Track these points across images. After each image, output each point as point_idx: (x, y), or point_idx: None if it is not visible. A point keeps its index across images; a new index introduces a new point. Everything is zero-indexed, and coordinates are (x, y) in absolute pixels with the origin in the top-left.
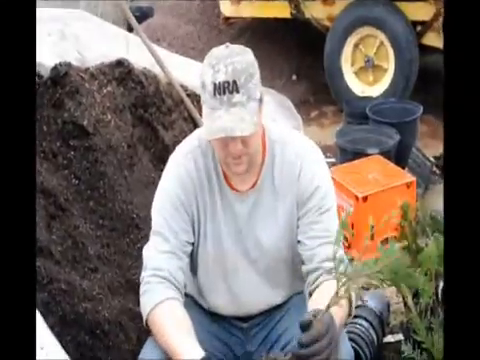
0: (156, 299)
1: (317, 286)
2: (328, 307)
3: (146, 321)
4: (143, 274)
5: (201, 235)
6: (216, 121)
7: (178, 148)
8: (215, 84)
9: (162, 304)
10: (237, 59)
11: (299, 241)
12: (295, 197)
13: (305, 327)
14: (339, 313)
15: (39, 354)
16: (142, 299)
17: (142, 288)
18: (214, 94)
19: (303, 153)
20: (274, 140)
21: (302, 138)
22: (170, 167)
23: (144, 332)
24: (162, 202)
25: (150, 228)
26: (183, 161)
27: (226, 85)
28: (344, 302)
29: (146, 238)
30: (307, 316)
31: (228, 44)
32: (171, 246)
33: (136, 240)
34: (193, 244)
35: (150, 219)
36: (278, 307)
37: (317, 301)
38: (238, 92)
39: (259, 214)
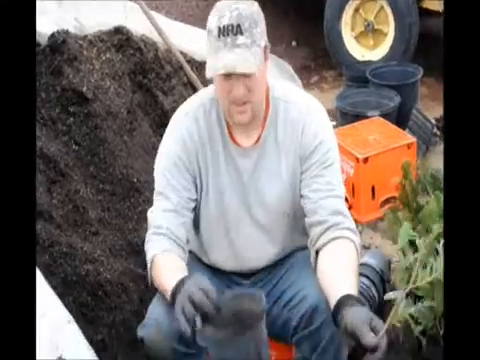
0: (153, 252)
1: (324, 244)
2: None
3: (150, 277)
4: (146, 234)
5: (203, 191)
6: (219, 59)
7: (179, 109)
8: (220, 27)
9: (159, 255)
10: (242, 6)
11: (302, 195)
12: (298, 152)
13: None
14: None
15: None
16: (146, 257)
17: (145, 246)
18: (218, 36)
19: (306, 110)
20: (278, 97)
21: (305, 95)
22: (171, 127)
23: (146, 293)
24: (163, 162)
25: (150, 192)
26: (184, 120)
27: (230, 28)
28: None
29: (146, 202)
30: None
31: None
32: (173, 204)
33: (136, 204)
34: (196, 200)
35: (150, 183)
36: (280, 263)
37: (333, 272)
38: (242, 34)
39: (262, 169)
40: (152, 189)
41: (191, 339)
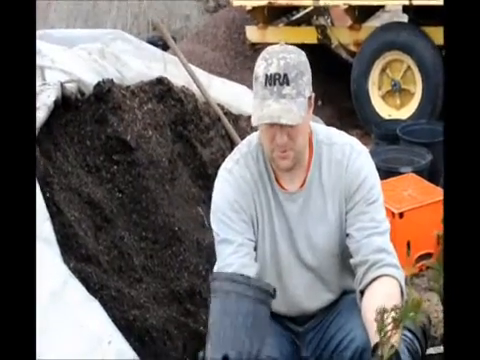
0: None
1: (367, 285)
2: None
3: None
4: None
5: (260, 236)
6: (265, 109)
7: (228, 158)
8: (267, 75)
9: None
10: (290, 56)
11: (347, 234)
12: (343, 192)
13: None
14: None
15: (106, 347)
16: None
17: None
18: (265, 85)
19: (349, 150)
20: (320, 140)
21: (348, 137)
22: (222, 176)
23: (190, 341)
24: (221, 210)
25: (190, 241)
26: (236, 167)
27: (277, 77)
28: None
29: (187, 251)
30: None
31: (283, 43)
32: (237, 244)
33: (178, 253)
34: (255, 243)
35: (190, 232)
36: (330, 308)
37: (371, 318)
38: (288, 85)
39: (309, 213)
40: (192, 238)
41: None
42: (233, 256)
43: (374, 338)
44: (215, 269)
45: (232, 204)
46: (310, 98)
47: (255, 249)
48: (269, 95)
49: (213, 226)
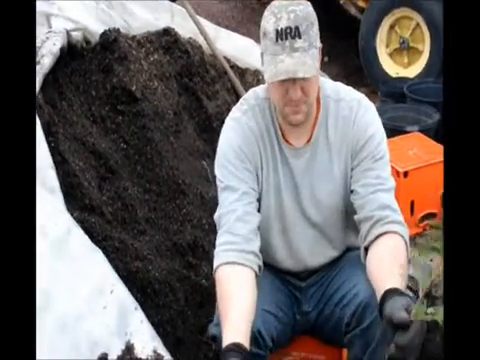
0: (217, 263)
1: (371, 242)
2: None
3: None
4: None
5: (264, 188)
6: (279, 64)
7: (234, 108)
8: (277, 30)
9: (221, 269)
10: (299, 8)
11: (352, 190)
12: (350, 148)
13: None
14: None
15: (108, 297)
16: (215, 250)
17: (214, 251)
18: (276, 40)
19: (357, 106)
20: (328, 96)
21: (355, 93)
22: (229, 125)
23: (191, 294)
24: (226, 157)
25: (194, 194)
26: (243, 118)
27: (288, 30)
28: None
29: (191, 204)
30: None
31: None
32: (242, 192)
33: (182, 206)
34: (258, 194)
35: (194, 186)
36: (333, 264)
37: (378, 270)
38: (300, 38)
39: (314, 169)
40: (196, 191)
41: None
42: (237, 203)
43: (379, 294)
44: (216, 215)
45: (237, 152)
46: (320, 48)
47: (259, 202)
48: (281, 50)
49: (217, 173)
